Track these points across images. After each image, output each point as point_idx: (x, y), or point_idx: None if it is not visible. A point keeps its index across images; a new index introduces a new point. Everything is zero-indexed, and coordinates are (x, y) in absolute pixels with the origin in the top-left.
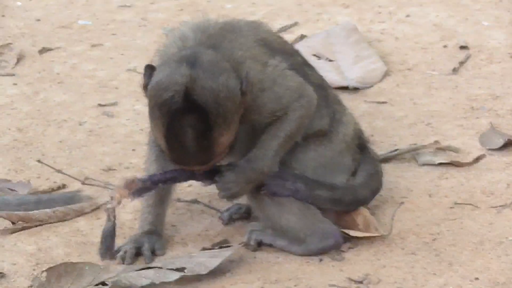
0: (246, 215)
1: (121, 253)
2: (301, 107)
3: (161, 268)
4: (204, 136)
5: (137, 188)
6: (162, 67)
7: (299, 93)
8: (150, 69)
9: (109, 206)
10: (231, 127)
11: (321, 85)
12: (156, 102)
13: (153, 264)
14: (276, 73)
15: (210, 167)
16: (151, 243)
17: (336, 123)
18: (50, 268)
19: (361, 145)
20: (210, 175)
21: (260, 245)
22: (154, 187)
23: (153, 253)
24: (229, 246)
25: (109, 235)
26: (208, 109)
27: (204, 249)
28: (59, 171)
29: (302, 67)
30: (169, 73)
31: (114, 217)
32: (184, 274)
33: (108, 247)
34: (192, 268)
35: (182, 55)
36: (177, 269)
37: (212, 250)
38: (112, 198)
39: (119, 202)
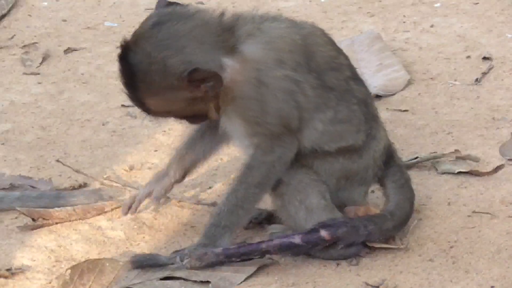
0: (266, 220)
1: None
2: (263, 164)
3: (185, 280)
4: (133, 88)
5: (209, 261)
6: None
7: (276, 136)
8: None
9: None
10: (161, 97)
11: (364, 101)
12: None
13: (176, 274)
14: (282, 84)
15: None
16: None
17: (370, 138)
18: (74, 266)
19: (386, 160)
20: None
21: None
22: (227, 261)
23: None
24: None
25: None
26: (136, 71)
27: None
28: (77, 170)
29: (348, 81)
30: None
31: None
32: None
33: None
34: (216, 283)
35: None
36: (202, 282)
37: (236, 263)
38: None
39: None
